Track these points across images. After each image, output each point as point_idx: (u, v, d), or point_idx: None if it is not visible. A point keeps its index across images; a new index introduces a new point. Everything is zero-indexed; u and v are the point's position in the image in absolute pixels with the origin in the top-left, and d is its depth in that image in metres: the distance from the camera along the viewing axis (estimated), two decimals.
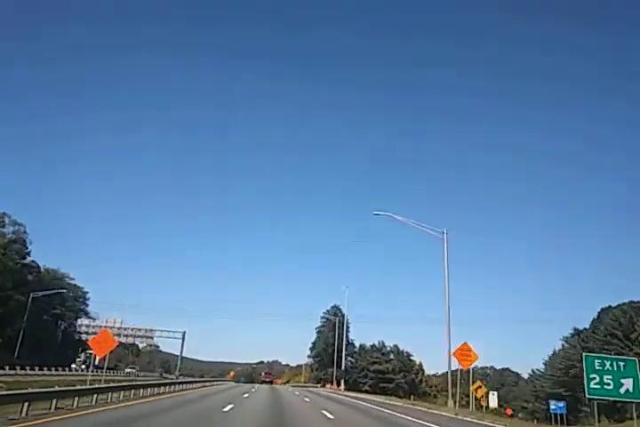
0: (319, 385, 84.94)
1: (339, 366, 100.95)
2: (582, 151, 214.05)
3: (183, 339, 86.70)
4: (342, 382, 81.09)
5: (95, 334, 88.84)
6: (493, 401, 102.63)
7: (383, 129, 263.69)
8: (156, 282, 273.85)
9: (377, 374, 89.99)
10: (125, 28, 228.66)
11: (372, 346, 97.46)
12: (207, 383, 52.15)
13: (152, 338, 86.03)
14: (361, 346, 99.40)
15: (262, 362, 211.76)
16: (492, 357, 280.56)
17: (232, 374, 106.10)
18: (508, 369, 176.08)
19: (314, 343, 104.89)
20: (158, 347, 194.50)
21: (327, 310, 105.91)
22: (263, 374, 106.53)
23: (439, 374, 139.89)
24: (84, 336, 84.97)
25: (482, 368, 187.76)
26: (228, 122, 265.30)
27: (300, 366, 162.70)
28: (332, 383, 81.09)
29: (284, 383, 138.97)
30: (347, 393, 56.33)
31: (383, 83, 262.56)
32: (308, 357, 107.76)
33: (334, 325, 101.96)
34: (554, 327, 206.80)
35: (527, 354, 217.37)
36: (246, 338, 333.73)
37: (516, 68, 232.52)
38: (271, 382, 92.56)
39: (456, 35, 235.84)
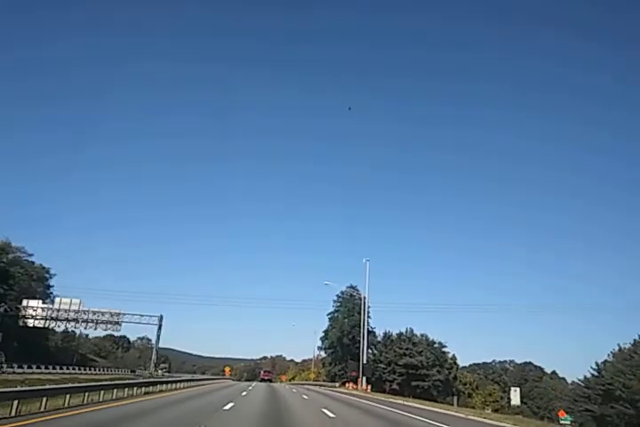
0: (337, 385, 63.70)
1: (356, 359, 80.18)
2: None
3: (160, 325, 65.89)
4: (364, 380, 60.18)
5: (45, 319, 69.02)
6: (515, 398, 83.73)
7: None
8: (153, 270, 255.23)
9: (408, 370, 69.16)
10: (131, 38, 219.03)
11: (400, 335, 76.43)
12: (169, 385, 31.14)
13: (119, 324, 65.13)
14: (386, 335, 78.45)
15: (266, 357, 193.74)
16: (511, 349, 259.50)
17: (228, 370, 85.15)
18: (530, 363, 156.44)
19: (326, 332, 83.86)
20: (151, 341, 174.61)
21: (342, 292, 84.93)
22: (262, 372, 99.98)
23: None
24: (30, 322, 64.24)
25: (500, 362, 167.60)
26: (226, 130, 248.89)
27: (306, 361, 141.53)
28: (354, 383, 60.20)
29: (290, 380, 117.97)
30: (390, 399, 35.38)
31: None
32: (319, 349, 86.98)
33: (351, 308, 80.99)
34: (591, 315, 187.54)
35: (554, 346, 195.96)
36: (249, 332, 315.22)
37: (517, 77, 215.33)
38: (270, 381, 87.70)
39: (458, 45, 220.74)
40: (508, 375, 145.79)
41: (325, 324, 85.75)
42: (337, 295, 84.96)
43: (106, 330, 64.14)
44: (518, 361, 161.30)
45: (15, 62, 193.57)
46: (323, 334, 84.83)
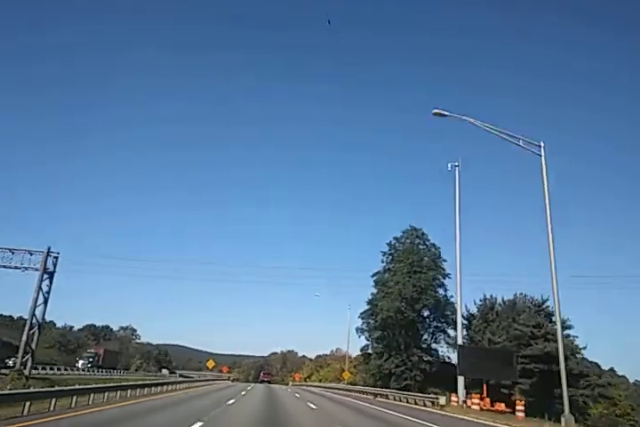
0: (436, 398, 26.78)
1: (424, 346, 46.38)
2: None
3: (51, 273, 30.67)
4: (462, 387, 24.90)
5: None
6: None
7: None
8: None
9: (544, 365, 33.47)
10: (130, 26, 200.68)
11: (512, 303, 40.73)
12: None
13: None
14: (483, 304, 42.47)
15: (275, 353, 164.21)
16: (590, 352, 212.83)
17: (211, 363, 49.61)
18: (611, 370, 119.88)
19: (371, 304, 48.60)
20: (136, 331, 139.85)
21: (395, 239, 49.75)
22: (262, 373, 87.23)
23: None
24: None
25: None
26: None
27: (321, 357, 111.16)
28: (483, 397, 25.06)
29: (305, 379, 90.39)
30: None
31: None
32: (359, 332, 50.97)
33: (417, 262, 45.88)
34: None
35: (607, 337, 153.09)
36: (259, 327, 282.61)
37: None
38: (269, 382, 75.08)
39: (459, 31, 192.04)
40: None
41: (365, 293, 50.71)
42: (388, 244, 49.83)
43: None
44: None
45: (19, 48, 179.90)
46: (367, 307, 49.51)
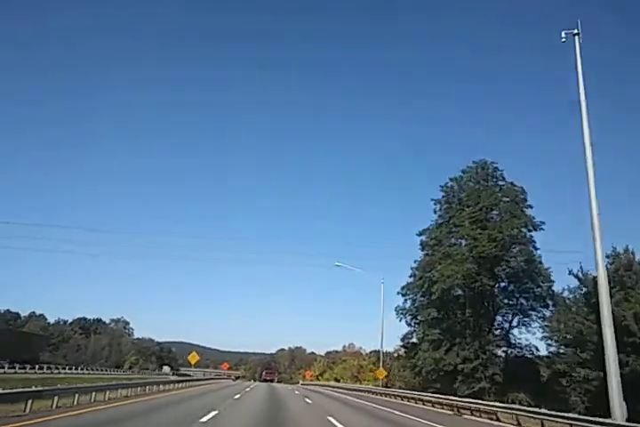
0: None
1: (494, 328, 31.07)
2: None
3: None
4: None
5: None
6: None
7: None
8: None
9: None
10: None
11: None
12: None
13: None
14: (621, 261, 26.59)
15: (283, 350, 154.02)
16: None
17: (194, 357, 35.28)
18: None
19: (422, 271, 33.11)
20: (128, 324, 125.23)
21: (454, 179, 34.34)
22: (265, 371, 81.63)
23: None
24: None
25: None
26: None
27: (331, 353, 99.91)
28: None
29: (317, 377, 79.64)
30: None
31: None
32: (399, 313, 35.40)
33: (490, 205, 30.70)
34: None
35: None
36: (267, 323, 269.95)
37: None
38: (272, 381, 70.21)
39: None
40: None
41: (416, 254, 35.62)
42: (443, 187, 34.47)
43: None
44: None
45: (22, 32, 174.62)
46: (412, 275, 34.35)
